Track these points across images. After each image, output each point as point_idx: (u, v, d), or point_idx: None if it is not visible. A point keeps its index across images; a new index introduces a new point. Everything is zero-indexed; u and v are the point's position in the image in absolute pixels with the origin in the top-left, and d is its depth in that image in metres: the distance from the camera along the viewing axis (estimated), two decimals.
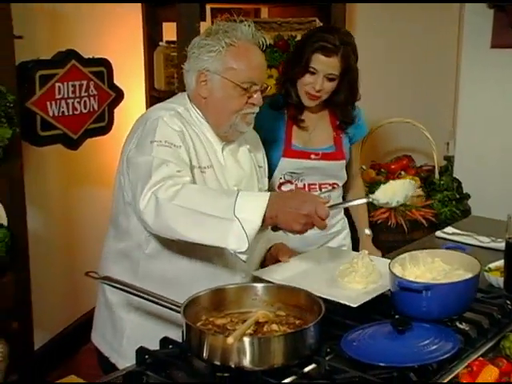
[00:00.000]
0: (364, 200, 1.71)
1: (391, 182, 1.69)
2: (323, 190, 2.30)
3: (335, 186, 2.33)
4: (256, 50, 1.74)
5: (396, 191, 1.64)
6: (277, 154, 2.25)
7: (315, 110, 2.30)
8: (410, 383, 1.29)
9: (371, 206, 2.83)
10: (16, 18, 2.28)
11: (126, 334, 1.80)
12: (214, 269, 1.75)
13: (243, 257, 1.50)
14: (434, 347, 1.37)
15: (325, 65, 2.15)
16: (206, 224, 1.48)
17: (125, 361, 1.75)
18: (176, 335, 1.50)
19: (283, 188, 2.27)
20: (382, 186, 1.66)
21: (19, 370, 2.28)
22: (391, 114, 3.26)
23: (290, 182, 2.29)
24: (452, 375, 1.34)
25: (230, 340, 1.26)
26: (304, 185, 2.29)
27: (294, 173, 2.28)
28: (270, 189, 2.15)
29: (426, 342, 1.39)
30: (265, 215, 1.47)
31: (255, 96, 1.74)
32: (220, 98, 1.73)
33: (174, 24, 3.10)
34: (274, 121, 2.28)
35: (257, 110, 1.77)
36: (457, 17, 3.56)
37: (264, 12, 3.95)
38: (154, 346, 1.47)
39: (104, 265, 1.84)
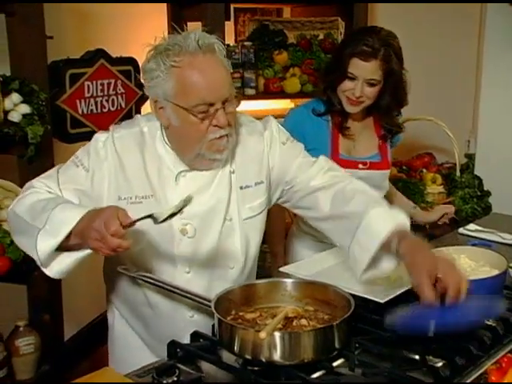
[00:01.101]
0: None
1: None
2: None
3: None
4: (206, 62, 1.45)
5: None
6: None
7: (359, 117, 2.17)
8: (440, 379, 1.27)
9: None
10: (47, 18, 2.30)
11: (115, 338, 1.84)
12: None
13: (46, 272, 1.44)
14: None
15: (363, 70, 2.01)
16: (26, 232, 1.45)
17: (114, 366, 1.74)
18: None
19: None
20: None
21: (50, 361, 2.31)
22: (413, 111, 3.23)
23: None
24: (481, 371, 1.32)
25: (262, 335, 1.26)
26: None
27: None
28: None
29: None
30: (74, 232, 1.37)
31: (217, 117, 1.47)
32: (179, 127, 1.50)
33: (199, 23, 3.10)
34: (318, 127, 2.14)
35: (225, 132, 1.50)
36: (478, 15, 3.52)
37: (286, 11, 3.93)
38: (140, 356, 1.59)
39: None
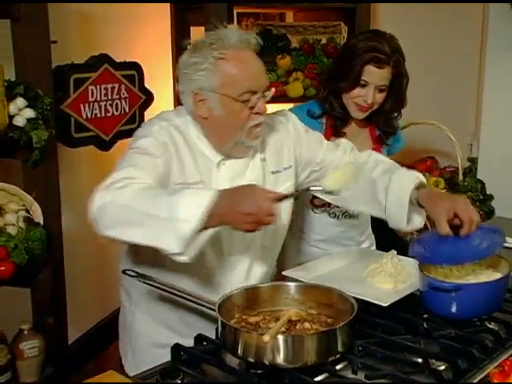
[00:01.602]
0: (318, 188, 1.63)
1: (337, 168, 1.66)
2: None
3: None
4: (248, 55, 1.59)
5: (346, 177, 1.56)
6: None
7: (361, 123, 2.15)
8: (442, 382, 1.28)
9: None
10: (51, 23, 2.31)
11: (133, 338, 1.80)
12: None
13: (181, 258, 1.38)
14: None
15: (377, 77, 2.00)
16: (142, 223, 1.39)
17: (129, 365, 1.78)
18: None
19: (316, 202, 2.14)
20: (330, 174, 1.62)
21: (54, 364, 2.31)
22: (415, 116, 3.24)
23: None
24: (483, 374, 1.33)
25: (265, 338, 1.26)
26: None
27: None
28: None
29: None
30: (209, 215, 1.34)
31: (258, 104, 1.58)
32: (222, 116, 1.59)
33: (202, 28, 3.11)
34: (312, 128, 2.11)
35: (262, 119, 1.61)
36: (480, 19, 3.52)
37: (289, 16, 3.94)
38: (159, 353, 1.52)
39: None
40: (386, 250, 1.88)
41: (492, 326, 1.52)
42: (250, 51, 1.60)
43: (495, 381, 1.29)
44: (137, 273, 1.58)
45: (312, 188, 1.70)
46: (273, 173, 1.75)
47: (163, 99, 3.39)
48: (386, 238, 2.37)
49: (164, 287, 1.53)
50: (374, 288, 1.65)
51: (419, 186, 1.69)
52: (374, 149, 2.18)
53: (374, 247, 2.32)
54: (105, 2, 3.10)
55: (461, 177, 3.15)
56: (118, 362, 1.86)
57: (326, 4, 3.40)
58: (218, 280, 1.68)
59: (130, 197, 1.41)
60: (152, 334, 1.76)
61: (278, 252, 1.84)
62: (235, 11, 3.65)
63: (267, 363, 1.31)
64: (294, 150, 1.79)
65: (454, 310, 1.50)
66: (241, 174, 1.68)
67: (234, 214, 1.36)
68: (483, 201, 3.07)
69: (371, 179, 1.76)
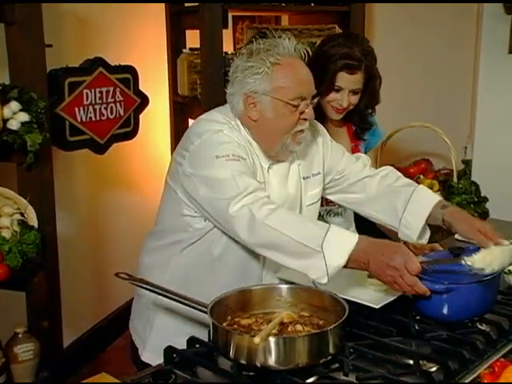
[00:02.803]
0: (467, 262, 1.56)
1: (492, 247, 1.60)
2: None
3: None
4: (300, 63, 1.69)
5: (494, 257, 1.56)
6: None
7: (338, 123, 2.24)
8: (433, 383, 1.28)
9: None
10: (45, 27, 2.31)
11: (155, 327, 1.82)
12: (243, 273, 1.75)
13: (322, 282, 1.50)
14: None
15: (350, 82, 2.10)
16: (291, 249, 1.50)
17: (150, 353, 1.79)
18: (202, 334, 1.52)
19: None
20: (482, 251, 1.57)
21: (49, 368, 2.31)
22: (410, 118, 3.25)
23: None
24: (474, 375, 1.33)
25: (256, 340, 1.27)
26: (322, 199, 2.11)
27: None
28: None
29: None
30: (350, 257, 1.47)
31: (306, 111, 1.68)
32: (271, 119, 1.67)
33: (197, 32, 3.12)
34: None
35: (307, 125, 1.70)
36: (474, 22, 3.54)
37: (284, 19, 3.95)
38: (181, 342, 1.48)
39: (141, 255, 1.90)
40: None
41: (483, 327, 1.53)
42: (300, 60, 1.69)
43: (486, 382, 1.30)
44: (128, 275, 1.58)
45: (463, 260, 1.58)
46: (304, 178, 1.83)
47: (158, 102, 3.40)
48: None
49: (156, 290, 1.53)
50: (366, 290, 1.66)
51: (443, 205, 1.82)
52: (353, 146, 2.26)
53: None
54: (99, 3, 3.11)
55: (455, 179, 3.16)
56: (116, 365, 1.83)
57: (320, 7, 3.41)
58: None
59: (280, 220, 1.52)
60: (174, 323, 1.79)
61: None
62: (231, 14, 3.66)
63: (259, 365, 1.31)
64: (322, 156, 1.89)
65: (445, 311, 1.51)
66: (284, 178, 1.78)
67: (381, 263, 1.46)
68: (477, 203, 3.08)
69: (393, 187, 1.90)
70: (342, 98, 2.11)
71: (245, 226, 1.52)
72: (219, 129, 1.68)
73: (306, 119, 1.69)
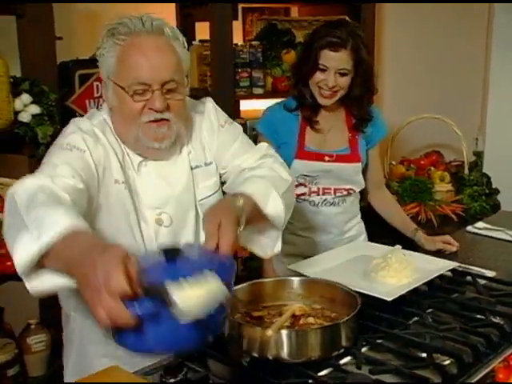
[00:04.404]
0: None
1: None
2: (337, 194, 2.19)
3: (351, 191, 2.21)
4: (149, 42, 1.43)
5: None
6: (289, 155, 2.10)
7: (331, 108, 2.18)
8: (447, 377, 1.26)
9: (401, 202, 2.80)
10: (56, 19, 2.30)
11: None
12: None
13: (28, 286, 1.19)
14: None
15: (334, 60, 2.04)
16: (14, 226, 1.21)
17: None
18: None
19: (296, 191, 2.10)
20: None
21: (61, 358, 2.31)
22: (420, 110, 3.22)
23: (303, 184, 2.16)
24: (488, 369, 1.31)
25: (269, 332, 1.26)
26: (318, 189, 2.17)
27: (308, 176, 2.15)
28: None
29: None
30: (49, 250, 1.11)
31: (153, 98, 1.43)
32: (117, 107, 1.48)
33: (207, 24, 3.10)
34: (288, 122, 2.17)
35: (164, 116, 1.45)
36: (486, 13, 3.50)
37: (294, 11, 3.92)
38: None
39: None
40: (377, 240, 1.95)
41: (497, 320, 1.51)
42: (154, 39, 1.44)
43: (500, 375, 1.28)
44: None
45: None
46: (192, 168, 1.60)
47: None
48: (378, 228, 2.40)
49: None
50: (379, 283, 1.64)
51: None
52: (350, 136, 2.21)
53: (363, 236, 2.32)
54: (109, 2, 3.09)
55: (466, 171, 3.13)
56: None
57: None
58: None
59: (24, 190, 1.25)
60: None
61: None
62: (240, 6, 3.64)
63: (271, 358, 1.30)
64: (210, 145, 1.64)
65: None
66: (167, 175, 1.55)
67: (78, 265, 1.06)
68: (489, 195, 3.06)
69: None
70: (328, 78, 2.05)
71: (6, 200, 1.28)
72: (75, 120, 1.53)
73: (153, 110, 1.44)
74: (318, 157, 2.16)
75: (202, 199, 1.61)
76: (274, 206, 1.46)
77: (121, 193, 1.50)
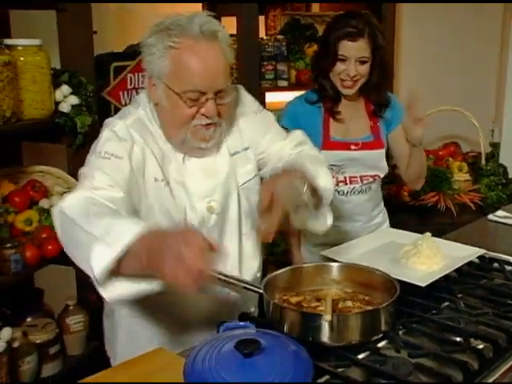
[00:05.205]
0: None
1: None
2: (364, 182, 2.15)
3: (376, 177, 2.18)
4: (206, 49, 1.36)
5: None
6: (316, 147, 2.06)
7: (351, 98, 2.13)
8: (484, 361, 1.23)
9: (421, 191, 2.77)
10: (92, 15, 2.28)
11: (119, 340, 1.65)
12: None
13: (107, 296, 1.21)
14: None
15: (354, 49, 2.01)
16: (80, 242, 1.21)
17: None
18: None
19: None
20: None
21: (99, 338, 2.31)
22: (439, 102, 3.18)
23: None
24: (497, 375, 1.27)
25: (327, 317, 1.24)
26: (345, 178, 2.13)
27: (335, 165, 2.10)
28: None
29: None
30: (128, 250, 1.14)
31: (206, 106, 1.38)
32: (167, 108, 1.42)
33: (232, 18, 3.06)
34: (310, 115, 2.13)
35: (214, 120, 1.42)
36: (501, 10, 3.43)
37: (315, 7, 3.88)
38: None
39: None
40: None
41: (507, 322, 1.46)
42: (211, 45, 1.37)
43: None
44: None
45: None
46: (232, 155, 1.55)
47: None
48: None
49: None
50: (410, 269, 1.61)
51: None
52: (371, 124, 2.17)
53: (387, 223, 2.29)
54: (141, 2, 3.08)
55: (483, 161, 3.09)
56: None
57: None
58: None
59: (76, 206, 1.26)
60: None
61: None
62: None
63: (311, 340, 1.27)
64: (245, 131, 1.58)
65: None
66: (210, 167, 1.51)
67: (156, 249, 1.11)
68: (505, 184, 3.02)
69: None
70: (349, 68, 2.02)
71: (56, 216, 1.28)
72: (111, 124, 1.45)
73: (205, 116, 1.40)
74: (344, 146, 2.12)
75: (243, 183, 1.58)
76: (325, 180, 1.47)
77: (161, 190, 1.46)
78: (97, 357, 2.24)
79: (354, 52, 2.02)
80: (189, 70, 1.36)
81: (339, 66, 2.04)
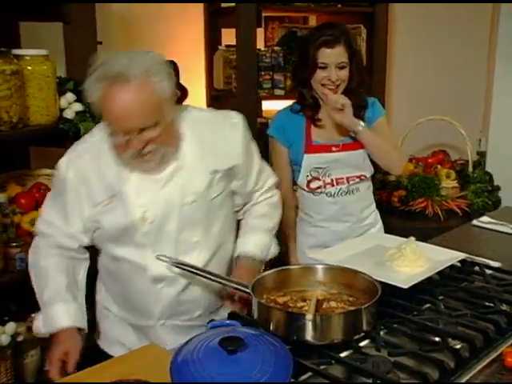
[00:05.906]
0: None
1: None
2: (351, 182, 2.14)
3: (363, 177, 2.16)
4: (121, 92, 1.34)
5: None
6: (300, 152, 2.11)
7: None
8: (461, 360, 1.24)
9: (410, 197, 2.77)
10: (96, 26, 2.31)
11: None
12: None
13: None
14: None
15: (332, 56, 2.02)
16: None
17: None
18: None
19: (312, 185, 2.13)
20: None
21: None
22: (428, 112, 3.19)
23: (317, 178, 2.12)
24: (497, 353, 1.29)
25: (309, 316, 1.25)
26: (332, 180, 2.12)
27: (320, 168, 2.11)
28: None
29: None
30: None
31: (131, 143, 1.41)
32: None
33: (233, 30, 3.08)
34: (295, 123, 2.14)
35: (146, 150, 1.43)
36: (489, 15, 3.42)
37: (312, 20, 3.88)
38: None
39: None
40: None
41: (504, 307, 1.48)
42: (123, 89, 1.35)
43: (508, 359, 1.26)
44: (167, 257, 1.54)
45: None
46: (211, 172, 1.57)
47: (196, 95, 3.37)
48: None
49: (196, 271, 1.51)
50: (394, 271, 1.61)
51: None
52: None
53: (379, 224, 2.27)
54: (145, 2, 3.09)
55: (470, 169, 3.10)
56: None
57: (346, 8, 3.36)
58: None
59: (36, 268, 1.67)
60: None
61: (218, 243, 1.65)
62: (263, 15, 3.61)
63: (295, 339, 1.27)
64: (233, 155, 1.61)
65: None
66: (155, 183, 1.52)
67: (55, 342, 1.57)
68: (491, 191, 3.03)
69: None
70: (330, 74, 2.02)
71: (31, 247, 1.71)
72: (62, 161, 1.60)
73: (130, 149, 1.43)
74: (326, 148, 2.13)
75: (192, 201, 1.56)
76: (272, 252, 1.77)
77: (108, 208, 1.54)
78: (97, 351, 2.25)
79: (333, 58, 2.03)
80: (107, 116, 1.41)
81: (320, 74, 2.04)
